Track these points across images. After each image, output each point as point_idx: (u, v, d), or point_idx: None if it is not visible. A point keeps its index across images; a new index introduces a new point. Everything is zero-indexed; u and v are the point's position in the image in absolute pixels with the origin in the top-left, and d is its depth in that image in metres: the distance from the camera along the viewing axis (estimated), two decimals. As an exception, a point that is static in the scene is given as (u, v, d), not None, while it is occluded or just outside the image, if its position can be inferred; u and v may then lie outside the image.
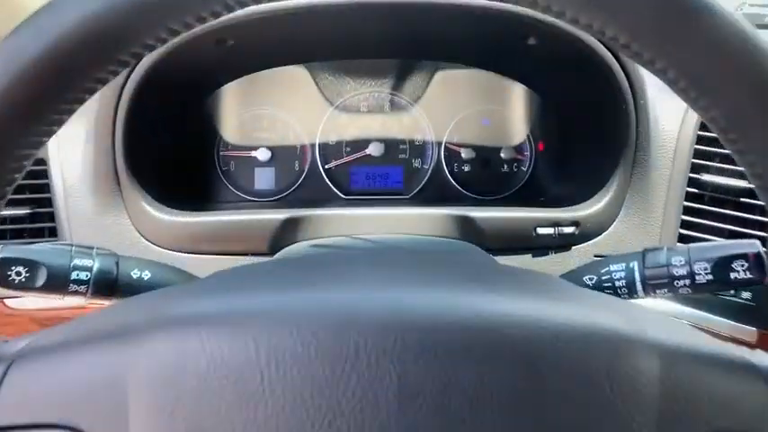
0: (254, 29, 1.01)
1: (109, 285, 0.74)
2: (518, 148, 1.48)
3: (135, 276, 0.77)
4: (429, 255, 0.63)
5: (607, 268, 0.84)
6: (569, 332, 0.42)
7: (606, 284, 0.83)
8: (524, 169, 1.48)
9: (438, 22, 1.09)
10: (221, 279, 0.53)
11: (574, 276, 0.87)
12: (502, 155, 1.46)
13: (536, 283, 0.55)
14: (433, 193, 1.47)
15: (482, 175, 1.48)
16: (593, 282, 0.85)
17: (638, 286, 0.80)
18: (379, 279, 0.50)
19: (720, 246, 0.75)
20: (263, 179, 1.45)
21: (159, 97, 1.11)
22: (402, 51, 1.35)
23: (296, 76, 1.42)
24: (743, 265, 0.73)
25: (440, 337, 0.40)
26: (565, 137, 1.37)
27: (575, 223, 1.16)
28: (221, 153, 1.44)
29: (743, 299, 1.05)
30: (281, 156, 1.45)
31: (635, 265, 0.80)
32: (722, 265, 0.74)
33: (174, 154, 1.28)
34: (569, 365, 0.40)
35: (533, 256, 1.19)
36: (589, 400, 0.40)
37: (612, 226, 1.19)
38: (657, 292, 0.78)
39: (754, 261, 0.73)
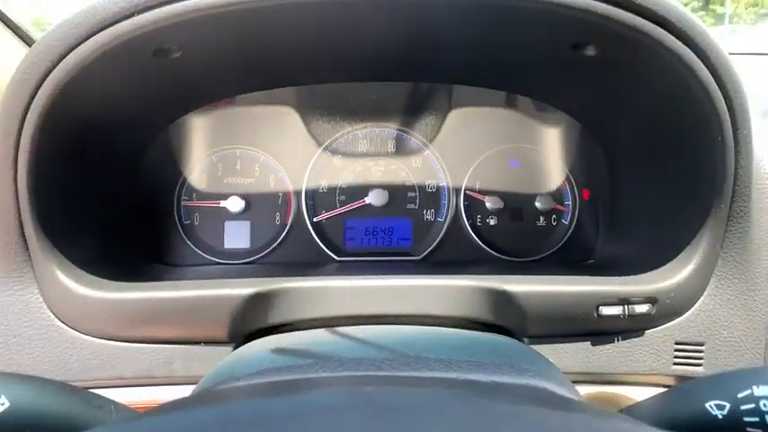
0: (204, 32, 0.73)
1: None
2: (557, 196, 1.18)
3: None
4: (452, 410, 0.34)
5: (749, 391, 0.52)
6: None
7: (750, 417, 0.51)
8: (565, 223, 1.18)
9: (463, 25, 0.80)
10: None
11: (686, 399, 0.56)
12: (537, 205, 1.16)
13: None
14: (451, 254, 1.16)
15: (513, 231, 1.18)
16: (725, 412, 0.53)
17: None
18: None
19: None
20: (235, 236, 1.15)
21: (78, 128, 0.82)
22: (412, 70, 1.07)
23: (277, 108, 1.14)
24: None
25: None
26: (621, 181, 1.06)
27: (650, 300, 0.84)
28: (183, 203, 1.14)
29: None
30: (258, 206, 1.15)
31: None
32: None
33: (112, 205, 0.99)
34: None
35: (593, 344, 0.87)
36: None
37: (699, 302, 0.88)
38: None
39: None
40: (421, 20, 0.78)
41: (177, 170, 1.13)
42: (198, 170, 1.15)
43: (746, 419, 0.51)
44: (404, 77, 1.12)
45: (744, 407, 0.52)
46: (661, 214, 0.95)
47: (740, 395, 0.52)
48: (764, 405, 0.51)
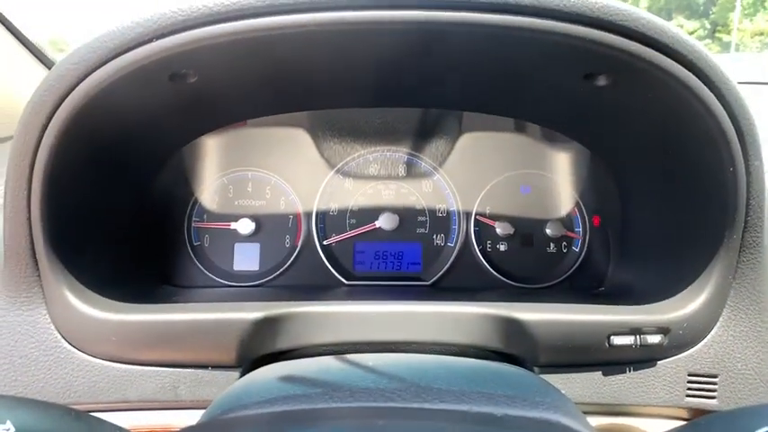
0: (220, 57, 0.74)
1: None
2: (567, 223, 1.17)
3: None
4: None
5: (765, 429, 0.52)
6: None
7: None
8: (576, 250, 1.17)
9: (475, 55, 0.81)
10: None
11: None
12: (547, 231, 1.15)
13: None
14: (461, 280, 1.16)
15: (523, 257, 1.17)
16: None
17: None
18: None
19: None
20: (245, 258, 1.15)
21: (93, 150, 0.83)
22: (425, 97, 1.08)
23: (289, 131, 1.15)
24: None
25: None
26: (632, 209, 1.06)
27: (662, 330, 0.83)
28: (194, 224, 1.14)
29: None
30: (269, 229, 1.15)
31: None
32: None
33: (123, 226, 0.99)
34: None
35: (604, 375, 0.86)
36: None
37: (712, 333, 0.87)
38: None
39: None
40: (435, 49, 0.79)
41: (189, 191, 1.14)
42: (209, 192, 1.15)
43: (765, 457, 0.50)
44: (415, 104, 1.13)
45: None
46: (673, 243, 0.94)
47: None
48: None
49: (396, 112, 1.17)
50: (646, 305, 0.88)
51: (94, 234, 0.90)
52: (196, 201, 1.15)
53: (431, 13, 0.68)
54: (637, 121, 0.90)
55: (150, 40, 0.68)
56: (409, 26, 0.69)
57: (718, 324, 0.87)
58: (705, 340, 0.87)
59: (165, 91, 0.81)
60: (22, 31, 1.29)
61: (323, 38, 0.72)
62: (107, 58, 0.69)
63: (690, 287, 0.87)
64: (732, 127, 0.76)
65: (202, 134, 1.09)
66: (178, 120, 0.96)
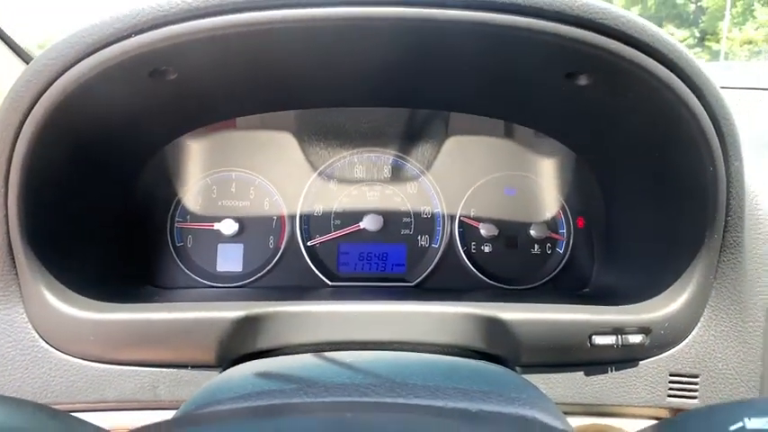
0: (200, 54, 0.73)
1: None
2: (551, 225, 1.17)
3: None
4: None
5: (740, 424, 0.52)
6: None
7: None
8: (560, 251, 1.17)
9: (460, 53, 0.81)
10: None
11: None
12: (532, 233, 1.16)
13: None
14: (445, 281, 1.16)
15: (507, 259, 1.17)
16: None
17: None
18: None
19: None
20: (228, 259, 1.14)
21: (72, 147, 0.82)
22: (409, 96, 1.08)
23: (274, 132, 1.15)
24: None
25: None
26: (615, 210, 1.06)
27: (644, 330, 0.84)
28: (176, 224, 1.13)
29: None
30: (252, 229, 1.15)
31: None
32: None
33: (105, 226, 0.98)
34: None
35: (586, 375, 0.86)
36: None
37: (694, 332, 0.88)
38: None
39: None
40: (419, 47, 0.79)
41: (172, 191, 1.13)
42: (193, 192, 1.15)
43: (739, 453, 0.50)
44: (401, 103, 1.13)
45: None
46: (655, 244, 0.95)
47: (732, 428, 0.51)
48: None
49: (382, 115, 1.17)
50: (628, 305, 0.89)
51: (74, 232, 0.89)
52: (179, 201, 1.14)
53: (411, 9, 0.68)
54: (619, 122, 0.90)
55: (129, 36, 0.67)
56: (387, 23, 0.69)
57: (699, 324, 0.87)
58: (686, 340, 0.87)
59: (146, 88, 0.80)
60: (2, 28, 1.28)
61: (304, 35, 0.72)
62: (85, 53, 0.69)
63: (671, 287, 0.87)
64: (712, 127, 0.77)
65: (184, 133, 1.08)
66: (159, 118, 0.96)
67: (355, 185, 1.18)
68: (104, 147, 0.89)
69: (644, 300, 0.89)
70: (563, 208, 1.18)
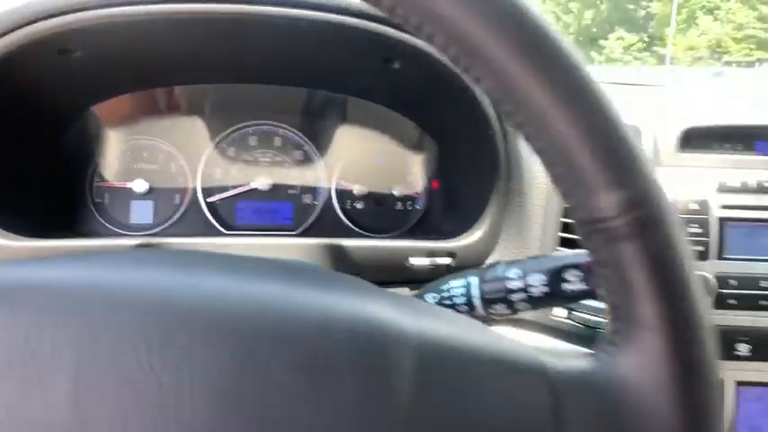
0: (99, 37, 0.96)
1: None
2: (412, 186, 1.44)
3: None
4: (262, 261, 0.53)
5: (447, 285, 0.77)
6: (310, 318, 0.36)
7: (446, 302, 0.76)
8: (418, 207, 1.44)
9: (289, 40, 1.06)
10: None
11: (420, 296, 0.80)
12: (395, 192, 1.42)
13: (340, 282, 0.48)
14: (324, 231, 1.40)
15: (375, 213, 1.43)
16: (436, 300, 0.77)
17: (477, 302, 0.73)
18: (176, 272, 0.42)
19: (556, 257, 0.70)
20: (140, 212, 1.36)
21: None
22: (252, 74, 1.32)
23: (181, 104, 1.38)
24: (578, 276, 0.68)
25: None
26: (451, 170, 1.34)
27: (451, 254, 1.10)
28: (95, 184, 1.35)
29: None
30: (161, 189, 1.37)
31: (474, 280, 0.73)
32: (556, 275, 0.68)
33: (31, 179, 1.19)
34: (302, 354, 0.34)
35: (411, 289, 1.12)
36: (322, 395, 0.33)
37: (490, 258, 1.14)
38: (496, 308, 0.72)
39: (589, 270, 0.67)
40: (244, 37, 1.04)
41: (91, 154, 1.34)
42: (110, 156, 1.36)
43: (444, 303, 0.76)
44: (266, 81, 1.37)
45: (444, 295, 0.76)
46: (469, 194, 1.22)
47: (443, 287, 0.77)
48: (454, 291, 0.75)
49: (276, 92, 1.40)
50: (442, 240, 1.16)
51: (3, 186, 1.09)
52: (98, 163, 1.35)
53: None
54: (432, 98, 1.17)
55: (36, 21, 0.90)
56: (213, 16, 0.94)
57: (494, 252, 1.14)
58: (483, 264, 1.14)
59: (57, 62, 1.02)
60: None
61: (168, 25, 0.96)
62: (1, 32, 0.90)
63: (474, 225, 1.14)
64: (489, 101, 1.04)
65: (95, 103, 1.29)
66: (71, 88, 1.17)
67: (249, 152, 1.41)
68: (24, 111, 1.10)
69: (457, 236, 1.16)
70: (423, 173, 1.45)
